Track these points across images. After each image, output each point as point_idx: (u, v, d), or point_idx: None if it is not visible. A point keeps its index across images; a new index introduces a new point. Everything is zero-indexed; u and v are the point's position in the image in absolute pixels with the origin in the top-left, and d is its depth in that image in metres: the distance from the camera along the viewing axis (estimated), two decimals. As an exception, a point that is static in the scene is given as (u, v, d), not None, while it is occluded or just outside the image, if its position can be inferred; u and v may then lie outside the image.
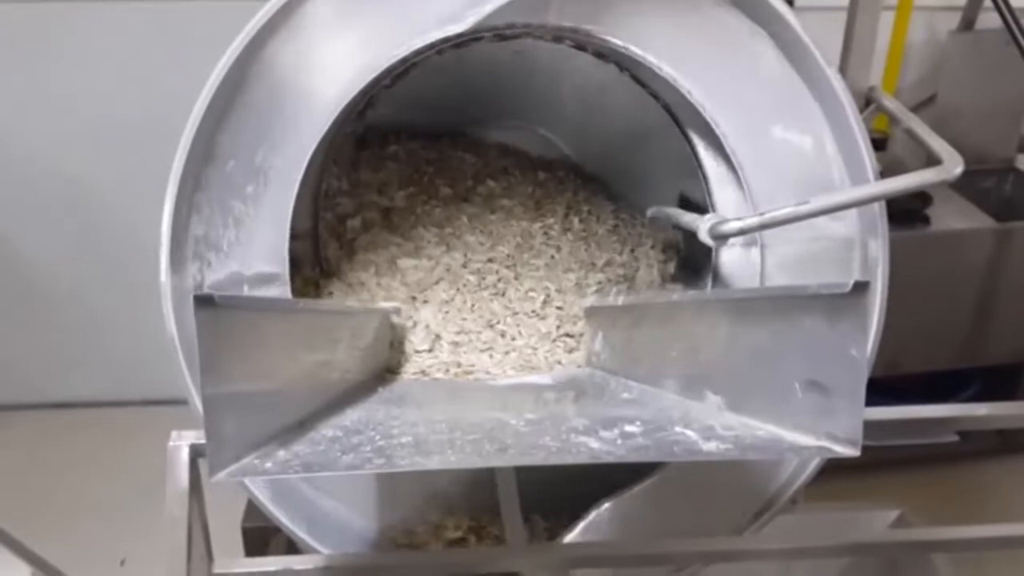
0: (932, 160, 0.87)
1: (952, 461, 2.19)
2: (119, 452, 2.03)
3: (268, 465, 0.55)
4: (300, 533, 0.91)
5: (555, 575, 0.84)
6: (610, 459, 0.60)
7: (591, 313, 1.03)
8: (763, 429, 0.60)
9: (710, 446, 0.59)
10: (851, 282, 0.53)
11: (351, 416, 0.70)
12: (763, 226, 0.85)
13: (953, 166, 0.80)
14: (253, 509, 1.12)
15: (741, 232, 0.89)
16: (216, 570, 0.77)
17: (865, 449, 0.55)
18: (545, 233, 1.16)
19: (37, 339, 2.37)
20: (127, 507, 1.54)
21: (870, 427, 0.56)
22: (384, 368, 0.97)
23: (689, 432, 0.62)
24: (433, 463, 0.57)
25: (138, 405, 2.32)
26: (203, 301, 0.53)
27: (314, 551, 0.89)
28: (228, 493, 1.09)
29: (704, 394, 0.69)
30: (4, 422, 2.36)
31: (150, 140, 1.35)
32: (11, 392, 2.40)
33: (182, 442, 0.72)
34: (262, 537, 1.14)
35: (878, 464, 1.96)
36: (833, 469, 0.95)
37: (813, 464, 0.95)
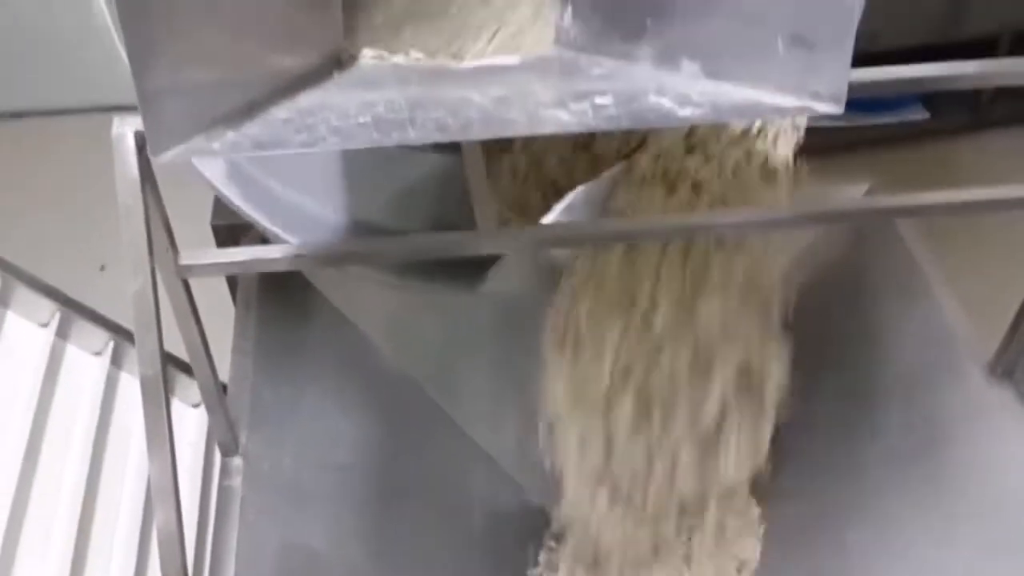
0: None
1: (922, 139, 2.19)
2: (91, 161, 1.98)
3: (216, 145, 0.51)
4: (270, 225, 0.90)
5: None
6: (580, 130, 0.58)
7: (559, -15, 0.96)
8: (742, 93, 0.57)
9: (686, 112, 0.57)
10: (848, -81, 0.48)
11: (305, 99, 0.66)
12: None
13: None
14: (221, 207, 1.11)
15: None
16: (183, 262, 0.75)
17: (834, 130, 0.53)
18: None
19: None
20: (104, 216, 1.53)
21: (849, 92, 0.53)
22: (341, 52, 0.91)
23: (664, 100, 0.59)
24: (392, 139, 0.54)
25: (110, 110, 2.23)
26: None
27: (284, 241, 0.88)
28: (196, 205, 1.07)
29: (680, 62, 0.65)
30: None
31: None
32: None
33: (127, 128, 0.67)
34: (232, 237, 1.13)
35: (847, 146, 1.96)
36: (801, 151, 0.94)
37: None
